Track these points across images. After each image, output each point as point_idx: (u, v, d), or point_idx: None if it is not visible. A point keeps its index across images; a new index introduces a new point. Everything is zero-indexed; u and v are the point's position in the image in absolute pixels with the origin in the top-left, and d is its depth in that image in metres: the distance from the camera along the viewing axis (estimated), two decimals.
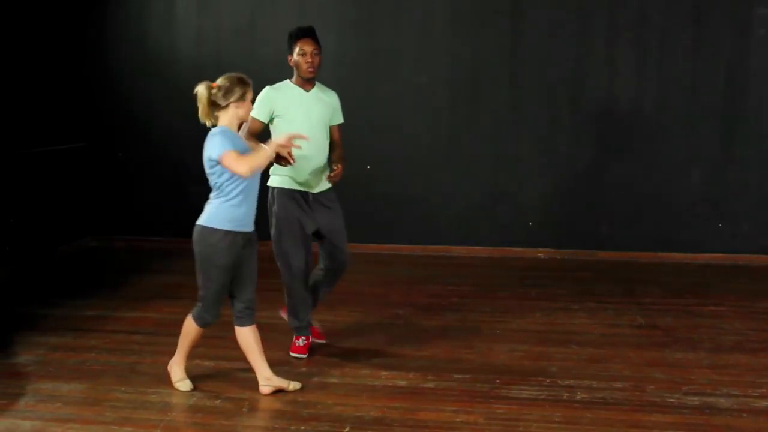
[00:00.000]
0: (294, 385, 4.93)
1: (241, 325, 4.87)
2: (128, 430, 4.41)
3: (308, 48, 5.34)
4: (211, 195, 4.74)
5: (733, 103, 8.25)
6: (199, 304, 4.85)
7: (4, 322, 6.28)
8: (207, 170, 4.68)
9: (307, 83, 5.45)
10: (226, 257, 4.69)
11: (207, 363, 5.38)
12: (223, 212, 4.67)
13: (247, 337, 4.87)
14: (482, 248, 8.73)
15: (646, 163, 8.41)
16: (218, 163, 4.57)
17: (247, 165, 4.51)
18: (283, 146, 4.73)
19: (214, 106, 4.65)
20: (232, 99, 4.63)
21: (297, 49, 5.33)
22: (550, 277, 7.82)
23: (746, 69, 8.19)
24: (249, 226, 4.78)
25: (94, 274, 8.16)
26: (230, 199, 4.66)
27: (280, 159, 4.94)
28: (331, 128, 5.57)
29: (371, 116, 8.64)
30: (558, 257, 8.57)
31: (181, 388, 4.94)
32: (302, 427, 4.43)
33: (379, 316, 6.52)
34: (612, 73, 8.38)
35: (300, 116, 5.35)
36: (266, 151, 4.65)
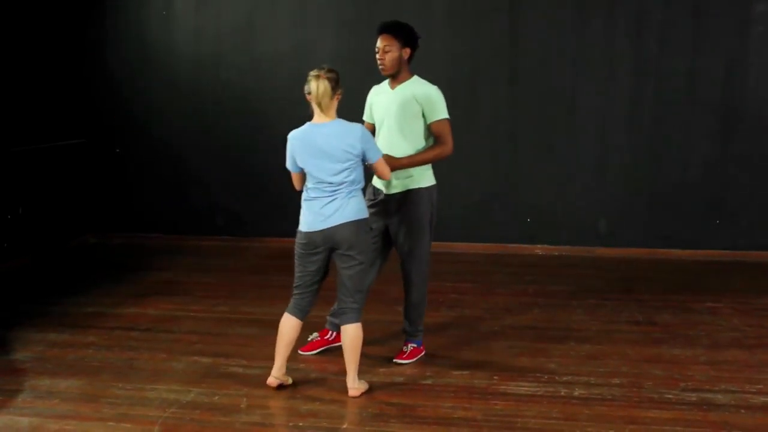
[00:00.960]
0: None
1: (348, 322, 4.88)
2: (126, 427, 4.41)
3: (380, 44, 5.28)
4: (345, 191, 4.74)
5: (732, 100, 8.24)
6: (354, 305, 4.86)
7: (3, 319, 6.28)
8: (345, 164, 4.70)
9: (393, 81, 5.36)
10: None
11: (204, 360, 5.38)
12: (363, 203, 4.86)
13: (349, 334, 4.85)
14: (480, 245, 8.73)
15: (644, 159, 8.41)
16: (365, 162, 4.78)
17: (390, 171, 4.97)
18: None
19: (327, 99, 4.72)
20: (339, 90, 4.76)
21: (376, 47, 5.28)
22: (548, 273, 7.82)
23: (745, 65, 8.18)
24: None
25: (93, 270, 8.15)
26: (361, 191, 4.84)
27: None
28: (430, 125, 5.32)
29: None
30: (556, 254, 8.57)
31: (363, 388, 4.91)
32: (300, 423, 4.43)
33: (377, 313, 6.50)
34: (611, 69, 8.37)
35: (379, 115, 5.37)
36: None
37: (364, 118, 5.42)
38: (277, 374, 4.88)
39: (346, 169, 4.70)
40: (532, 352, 5.56)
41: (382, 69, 5.27)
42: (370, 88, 8.61)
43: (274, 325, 5.65)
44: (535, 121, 8.55)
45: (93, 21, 9.07)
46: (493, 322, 6.26)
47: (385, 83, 5.42)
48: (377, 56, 5.27)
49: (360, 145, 4.69)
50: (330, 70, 4.74)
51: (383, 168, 4.86)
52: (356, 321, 4.82)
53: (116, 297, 6.95)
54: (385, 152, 5.11)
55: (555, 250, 8.62)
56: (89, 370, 5.24)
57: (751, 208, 8.33)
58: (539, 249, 8.65)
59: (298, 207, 4.87)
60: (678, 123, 8.34)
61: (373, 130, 5.42)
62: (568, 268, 8.03)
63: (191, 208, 9.13)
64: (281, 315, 5.49)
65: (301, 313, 4.91)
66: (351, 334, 4.79)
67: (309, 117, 4.84)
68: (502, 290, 7.21)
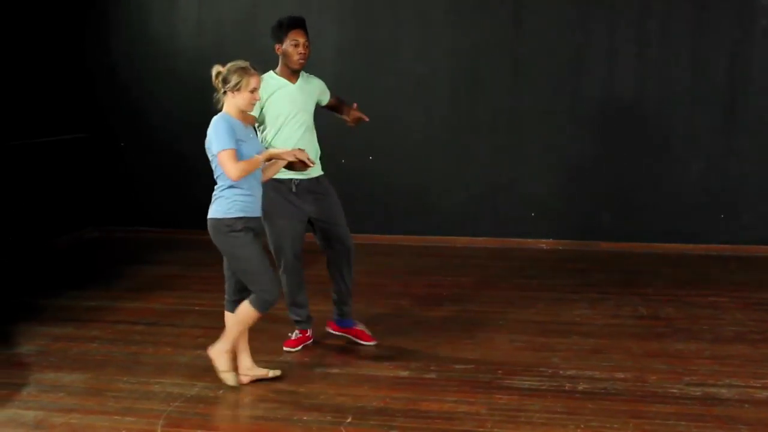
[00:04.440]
0: (273, 372, 4.94)
1: (232, 310, 4.87)
2: (131, 420, 4.42)
3: (301, 39, 5.31)
4: (217, 185, 4.73)
5: (735, 94, 8.23)
6: (253, 288, 4.73)
7: (6, 313, 6.29)
8: (210, 158, 4.69)
9: (293, 75, 5.39)
10: (245, 237, 4.68)
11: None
12: (230, 201, 4.66)
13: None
14: (483, 239, 8.73)
15: (647, 153, 8.41)
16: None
17: (239, 171, 4.55)
18: (281, 156, 4.82)
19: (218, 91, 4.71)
20: (227, 87, 4.66)
21: (289, 40, 5.28)
22: (552, 267, 7.82)
23: (748, 60, 8.17)
24: (257, 212, 4.79)
25: (96, 264, 8.16)
26: (236, 187, 4.66)
27: (293, 165, 4.92)
28: (330, 102, 5.65)
29: (371, 107, 8.48)
30: (559, 248, 8.57)
31: (226, 381, 4.86)
32: (304, 417, 4.44)
33: (380, 307, 6.51)
34: (613, 62, 8.37)
35: (284, 113, 5.32)
36: (259, 159, 4.69)
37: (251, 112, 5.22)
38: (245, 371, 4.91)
39: (213, 163, 4.71)
40: (536, 347, 5.57)
41: (302, 63, 5.34)
42: (369, 78, 8.68)
43: (276, 319, 5.69)
44: (538, 113, 8.54)
45: (95, 15, 9.07)
46: (496, 316, 6.26)
47: (270, 77, 5.34)
48: (299, 50, 5.30)
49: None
50: (230, 64, 4.70)
51: (226, 163, 4.55)
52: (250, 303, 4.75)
53: (119, 291, 6.96)
54: (300, 147, 5.09)
55: (558, 244, 8.61)
56: (94, 364, 5.25)
57: (755, 202, 8.33)
58: (542, 243, 8.64)
59: None
60: (681, 116, 8.34)
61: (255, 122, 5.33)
62: (571, 262, 8.03)
63: (193, 202, 9.09)
64: (284, 309, 5.52)
65: (228, 305, 4.93)
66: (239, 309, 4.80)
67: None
68: (505, 284, 7.21)
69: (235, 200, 4.66)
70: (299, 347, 5.51)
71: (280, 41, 5.32)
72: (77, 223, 9.16)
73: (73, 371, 5.12)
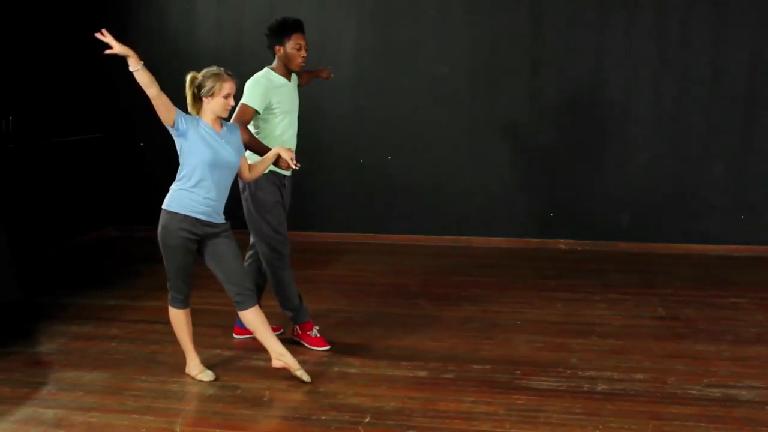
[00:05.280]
0: (302, 374, 4.90)
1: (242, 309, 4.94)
2: (149, 419, 4.44)
3: (303, 42, 5.40)
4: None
5: (755, 94, 8.18)
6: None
7: (28, 311, 6.33)
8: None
9: (288, 74, 5.48)
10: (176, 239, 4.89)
11: (227, 353, 5.41)
12: (177, 194, 4.90)
13: (251, 317, 4.91)
14: (502, 239, 8.72)
15: (667, 153, 8.37)
16: (183, 150, 4.87)
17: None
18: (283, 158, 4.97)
19: (196, 98, 4.82)
20: (203, 92, 4.76)
21: (293, 42, 5.35)
22: (571, 268, 7.80)
23: None
24: (199, 214, 4.88)
25: (116, 263, 8.20)
26: (184, 183, 4.89)
27: (279, 163, 5.06)
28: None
29: (390, 107, 8.64)
30: (578, 248, 8.55)
31: (203, 379, 4.96)
32: (322, 417, 4.44)
33: (398, 307, 6.52)
34: (632, 62, 8.33)
35: (290, 110, 5.45)
36: (269, 159, 4.98)
37: (256, 106, 5.26)
38: (275, 355, 4.94)
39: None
40: (555, 347, 5.55)
41: (302, 66, 5.47)
42: (388, 78, 8.67)
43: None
44: (557, 113, 8.51)
45: (116, 15, 9.10)
46: (515, 317, 6.25)
47: (274, 76, 5.41)
48: (302, 53, 5.40)
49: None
50: (204, 71, 4.80)
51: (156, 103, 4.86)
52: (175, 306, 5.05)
53: (139, 290, 6.99)
54: (292, 144, 5.44)
55: (577, 244, 8.59)
56: (113, 363, 5.28)
57: None
58: (561, 243, 8.62)
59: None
60: (701, 117, 8.29)
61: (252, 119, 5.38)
62: (590, 263, 8.01)
63: None
64: None
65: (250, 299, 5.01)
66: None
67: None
68: (523, 284, 7.20)
69: (178, 194, 4.92)
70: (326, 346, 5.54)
71: (281, 42, 5.39)
72: (98, 221, 9.21)
73: (93, 370, 5.15)
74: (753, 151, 8.26)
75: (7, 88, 7.60)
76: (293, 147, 5.46)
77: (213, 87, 4.72)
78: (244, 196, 5.44)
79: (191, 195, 4.81)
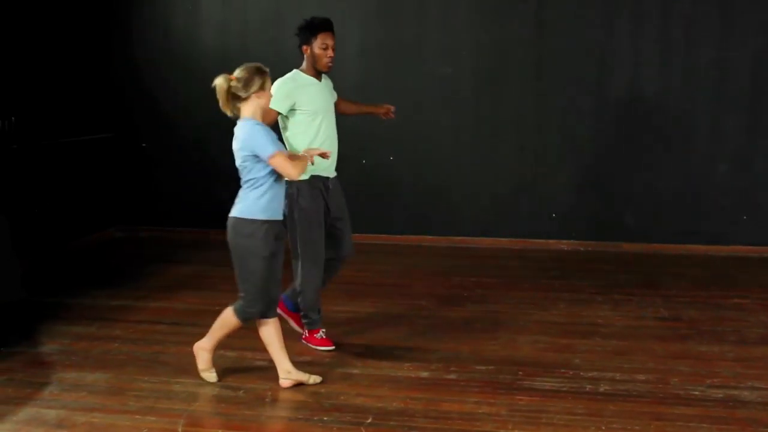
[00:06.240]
0: (314, 379, 4.91)
1: (263, 317, 4.88)
2: (152, 420, 4.44)
3: (330, 42, 5.32)
4: (244, 187, 4.73)
5: (759, 95, 8.16)
6: (241, 295, 4.80)
7: (31, 312, 6.33)
8: (241, 162, 4.67)
9: (318, 75, 5.41)
10: (264, 247, 4.67)
11: (230, 354, 5.40)
12: (259, 203, 4.67)
13: (269, 330, 4.88)
14: (505, 240, 8.71)
15: (671, 154, 8.36)
16: (260, 159, 4.58)
17: (299, 170, 4.66)
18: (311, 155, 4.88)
19: (234, 98, 4.65)
20: (252, 90, 4.62)
21: (319, 42, 5.28)
22: (574, 268, 7.79)
23: None
24: (281, 215, 4.80)
25: (119, 264, 8.21)
26: (265, 191, 4.66)
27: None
28: (336, 103, 5.59)
29: (394, 107, 8.62)
30: (582, 249, 8.54)
31: (206, 379, 4.95)
32: (325, 418, 4.44)
33: (401, 307, 6.52)
34: (637, 62, 8.31)
35: (321, 109, 5.34)
36: (306, 159, 4.80)
37: (280, 108, 5.21)
38: (283, 374, 4.91)
39: (243, 168, 4.68)
40: (558, 348, 5.55)
41: (331, 66, 5.39)
42: (393, 78, 8.67)
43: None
44: (561, 114, 8.51)
45: (120, 17, 9.12)
46: (518, 317, 6.24)
47: (300, 76, 5.36)
48: (328, 53, 5.33)
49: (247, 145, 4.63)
50: (244, 69, 4.66)
51: (284, 165, 4.56)
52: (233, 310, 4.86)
53: (142, 290, 6.99)
54: (333, 139, 5.35)
55: (580, 245, 8.58)
56: (115, 363, 5.28)
57: None
58: (565, 244, 8.61)
59: None
60: (705, 116, 8.28)
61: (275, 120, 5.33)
62: (593, 263, 8.00)
63: (217, 202, 9.15)
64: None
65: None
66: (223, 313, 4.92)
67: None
68: (527, 285, 7.19)
69: (260, 202, 4.67)
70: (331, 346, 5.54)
71: (308, 42, 5.32)
72: (103, 222, 9.23)
73: (96, 370, 5.15)
74: (757, 152, 8.24)
75: (10, 89, 7.61)
76: (333, 149, 5.34)
77: (263, 82, 4.64)
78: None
79: (268, 198, 4.70)
